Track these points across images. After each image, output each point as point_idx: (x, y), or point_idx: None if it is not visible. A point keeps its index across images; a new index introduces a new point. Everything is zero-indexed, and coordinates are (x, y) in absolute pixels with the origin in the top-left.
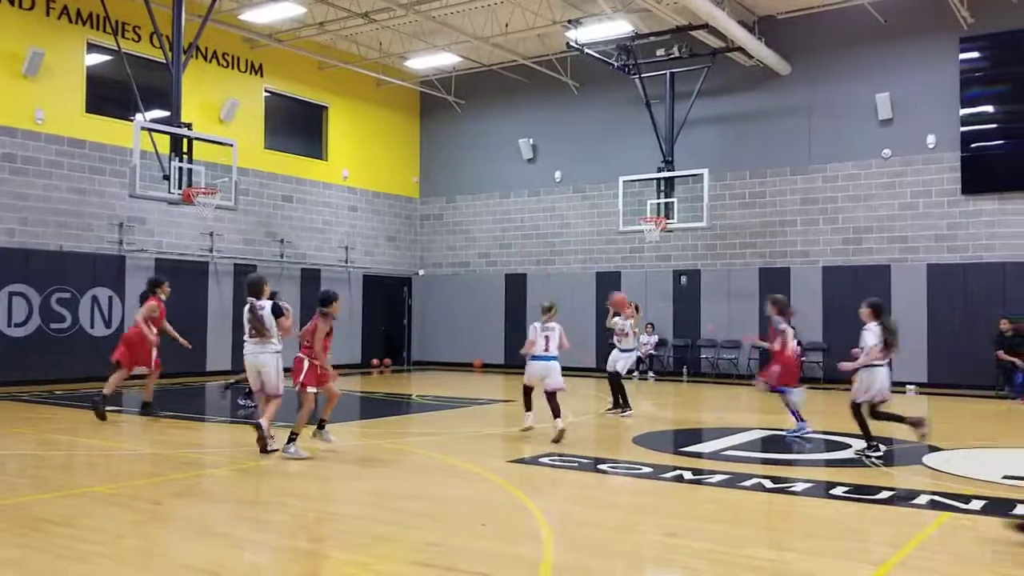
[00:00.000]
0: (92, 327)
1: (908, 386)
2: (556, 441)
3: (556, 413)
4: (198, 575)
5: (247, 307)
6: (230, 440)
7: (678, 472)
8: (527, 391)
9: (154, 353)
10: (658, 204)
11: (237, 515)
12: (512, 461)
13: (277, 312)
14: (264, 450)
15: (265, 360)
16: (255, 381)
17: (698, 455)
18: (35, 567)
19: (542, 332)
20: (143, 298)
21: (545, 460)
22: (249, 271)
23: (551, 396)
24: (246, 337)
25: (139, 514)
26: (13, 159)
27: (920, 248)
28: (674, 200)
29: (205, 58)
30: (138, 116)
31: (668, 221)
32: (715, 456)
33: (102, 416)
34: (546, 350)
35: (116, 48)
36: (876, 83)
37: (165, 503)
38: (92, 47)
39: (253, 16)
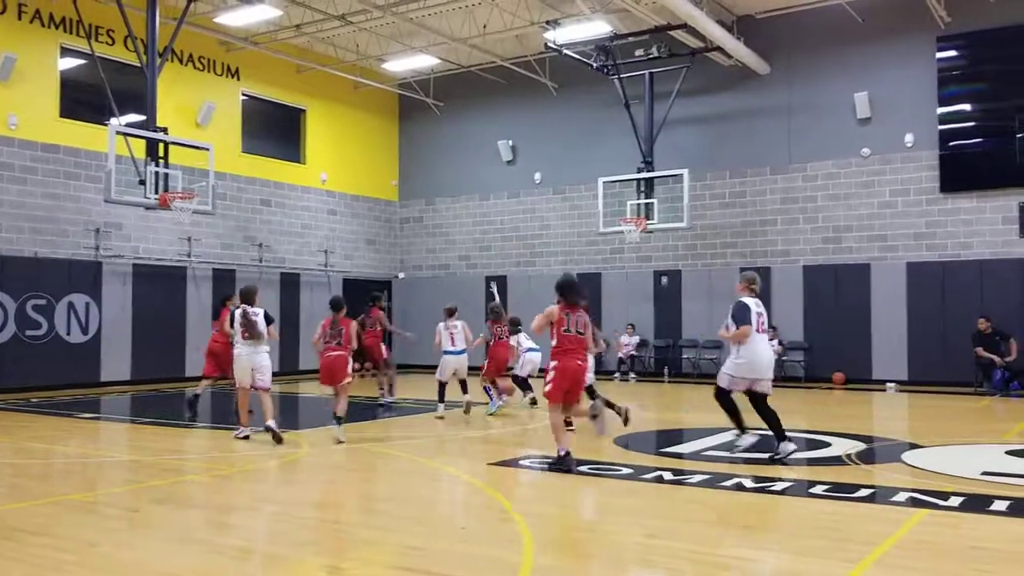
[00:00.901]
0: (68, 334)
1: (888, 384)
2: (466, 412)
3: (465, 390)
4: None
5: (240, 312)
6: (210, 446)
7: (658, 473)
8: (441, 385)
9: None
10: (638, 205)
11: (216, 521)
12: (492, 464)
13: (268, 319)
14: (280, 440)
15: (262, 360)
16: (247, 378)
17: (679, 455)
18: None
19: (446, 331)
20: (217, 311)
21: (525, 463)
22: (227, 276)
23: (463, 382)
24: (238, 339)
25: (116, 522)
26: None
27: (899, 247)
28: (654, 201)
29: (181, 61)
30: (113, 120)
31: (648, 222)
32: (696, 456)
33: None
34: (453, 344)
35: (90, 52)
36: (855, 82)
37: (143, 510)
38: (65, 51)
39: (228, 19)
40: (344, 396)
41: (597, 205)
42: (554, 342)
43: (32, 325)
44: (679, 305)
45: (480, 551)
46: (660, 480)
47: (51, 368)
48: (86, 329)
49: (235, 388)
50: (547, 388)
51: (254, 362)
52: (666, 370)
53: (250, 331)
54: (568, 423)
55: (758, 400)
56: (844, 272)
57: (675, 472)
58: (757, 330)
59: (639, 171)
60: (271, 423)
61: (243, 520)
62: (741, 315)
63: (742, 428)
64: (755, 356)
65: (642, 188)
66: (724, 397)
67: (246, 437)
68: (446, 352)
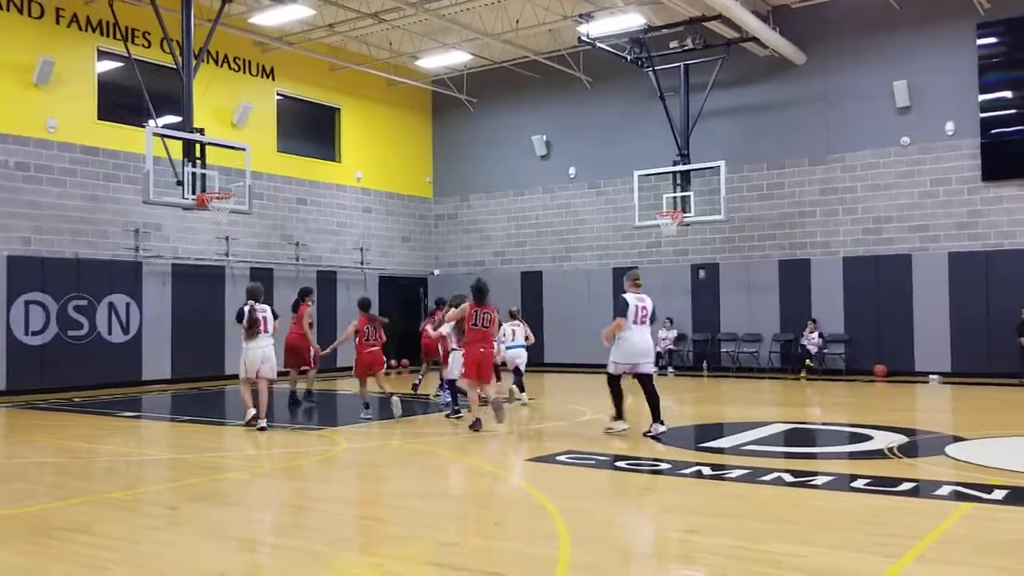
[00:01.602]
0: (110, 333)
1: (931, 376)
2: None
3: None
4: None
5: (248, 309)
6: (248, 444)
7: (697, 468)
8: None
9: (311, 352)
10: (674, 198)
11: (253, 519)
12: (529, 460)
13: (274, 315)
14: (263, 429)
15: (270, 353)
16: (255, 369)
17: (718, 450)
18: (50, 575)
19: (509, 328)
20: (296, 307)
21: (563, 458)
22: (265, 275)
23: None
24: (261, 331)
25: (156, 520)
26: (26, 168)
27: (941, 236)
28: (690, 193)
29: (216, 62)
30: (150, 122)
31: (685, 215)
32: (735, 451)
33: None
34: (514, 339)
35: (127, 55)
36: (893, 70)
37: (181, 508)
38: (103, 54)
39: (263, 19)
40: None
41: (633, 199)
42: (465, 335)
43: (74, 325)
44: (717, 298)
45: (516, 547)
46: (699, 475)
47: (93, 368)
48: (127, 329)
49: (249, 380)
50: (462, 371)
51: (265, 355)
52: (705, 364)
53: (265, 327)
54: (483, 399)
55: (643, 381)
56: (885, 263)
57: (714, 467)
58: (636, 321)
59: (675, 164)
60: (262, 409)
61: (280, 517)
62: (620, 309)
63: (620, 415)
64: (631, 344)
65: (678, 181)
66: (613, 383)
67: (255, 418)
68: (509, 347)
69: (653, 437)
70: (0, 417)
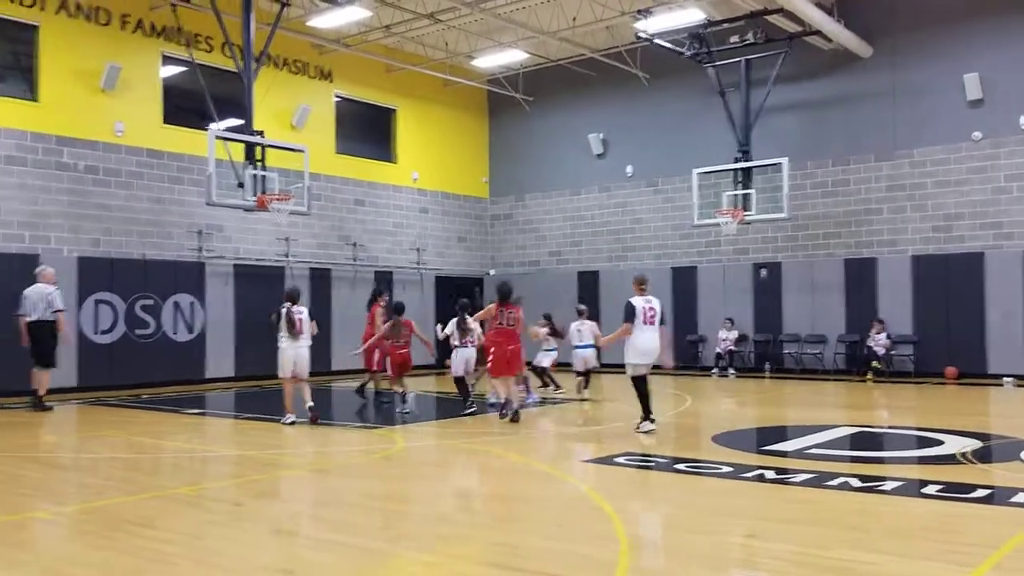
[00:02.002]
0: (175, 332)
1: (1005, 378)
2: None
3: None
4: (274, 575)
5: (284, 311)
6: (310, 441)
7: (760, 471)
8: (579, 374)
9: (376, 356)
10: (735, 196)
11: (314, 515)
12: (587, 461)
13: (310, 316)
14: (316, 421)
15: (304, 353)
16: (289, 369)
17: (781, 454)
18: (119, 568)
19: (576, 329)
20: (369, 306)
21: (621, 460)
22: (323, 275)
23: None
24: (284, 335)
25: (219, 515)
26: (96, 171)
27: (1015, 234)
28: (752, 191)
29: (276, 65)
30: (212, 125)
31: (746, 213)
32: (799, 455)
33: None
34: (581, 340)
35: (190, 59)
36: (963, 63)
37: (245, 504)
38: (167, 59)
39: (321, 22)
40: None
41: (692, 197)
42: (491, 332)
43: (140, 324)
44: (779, 298)
45: (574, 549)
46: (762, 479)
47: (159, 366)
48: (191, 328)
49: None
50: (489, 365)
51: (298, 355)
52: (767, 365)
53: (301, 328)
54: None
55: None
56: (956, 261)
57: (778, 471)
58: (645, 322)
59: (736, 161)
60: (310, 404)
61: (340, 514)
62: (627, 314)
63: (649, 414)
64: (644, 344)
65: (739, 178)
66: (638, 384)
67: (292, 423)
68: (576, 347)
69: (644, 433)
70: (72, 413)
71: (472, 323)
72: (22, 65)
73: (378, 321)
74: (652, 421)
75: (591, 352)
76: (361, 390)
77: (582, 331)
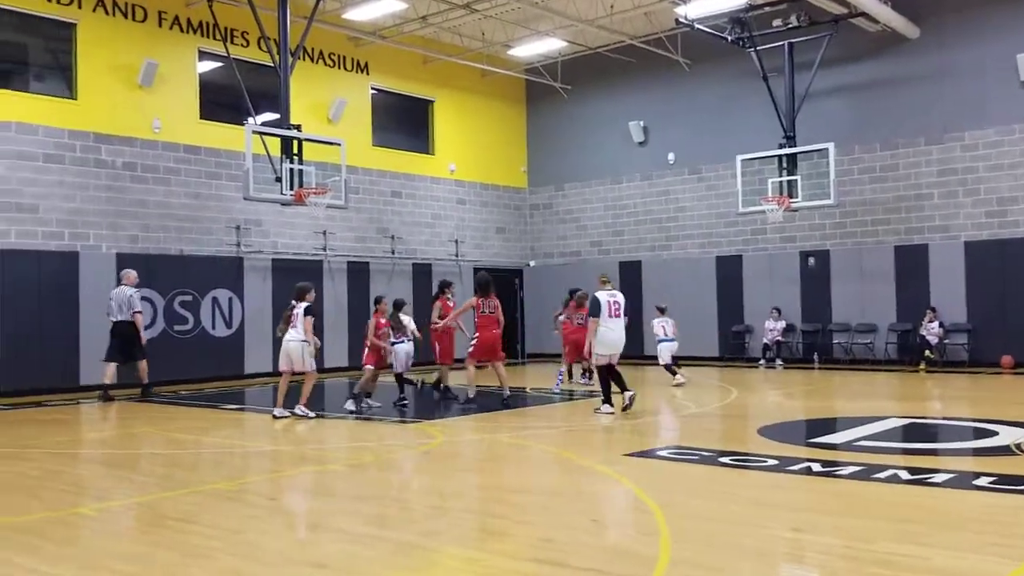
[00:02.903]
0: (213, 328)
1: None
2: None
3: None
4: (311, 569)
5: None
6: (347, 435)
7: (806, 464)
8: (667, 367)
9: (437, 348)
10: (780, 182)
11: (351, 510)
12: (628, 454)
13: (307, 312)
14: (276, 418)
15: (291, 347)
16: (286, 363)
17: (829, 446)
18: (160, 563)
19: (659, 324)
20: (436, 298)
21: (663, 453)
22: (361, 269)
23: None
24: (289, 327)
25: (259, 510)
26: (133, 168)
27: None
28: (797, 178)
29: (312, 59)
30: (249, 120)
31: (792, 200)
32: (848, 447)
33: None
34: (665, 334)
35: (226, 54)
36: (1016, 42)
37: (282, 499)
38: (203, 55)
39: (356, 14)
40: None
41: (736, 184)
42: (476, 320)
43: (179, 320)
44: (828, 287)
45: (616, 543)
46: (808, 472)
47: (198, 361)
48: (230, 323)
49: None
50: (470, 350)
51: (285, 348)
52: (815, 356)
53: (286, 324)
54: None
55: (612, 369)
56: (1012, 247)
57: (825, 463)
58: (610, 315)
59: (780, 147)
60: (298, 409)
61: (379, 509)
62: (593, 309)
63: (609, 400)
64: (611, 335)
65: (784, 164)
66: (601, 372)
67: (279, 417)
68: (660, 340)
69: (630, 402)
70: (113, 409)
71: (406, 319)
72: (60, 63)
73: (434, 315)
74: (611, 405)
75: (674, 345)
76: (438, 385)
77: (666, 327)
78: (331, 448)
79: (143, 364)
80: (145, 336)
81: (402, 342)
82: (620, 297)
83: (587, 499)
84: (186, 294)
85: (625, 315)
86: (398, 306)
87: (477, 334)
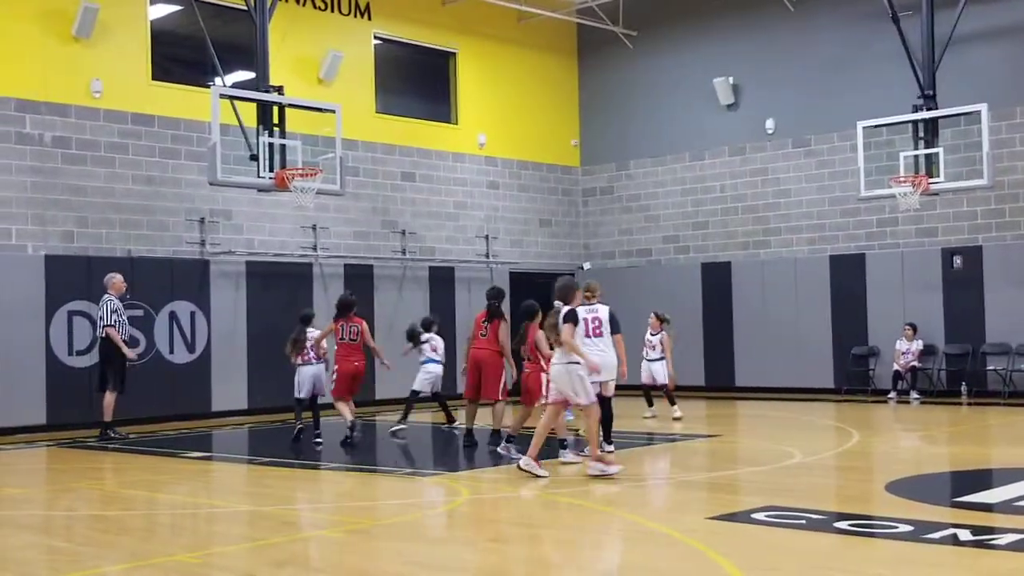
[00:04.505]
0: (171, 352)
1: None
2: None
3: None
4: None
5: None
6: (344, 494)
7: (952, 531)
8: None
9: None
10: (916, 157)
11: None
12: (714, 518)
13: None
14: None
15: (318, 372)
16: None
17: (982, 507)
18: None
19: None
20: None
21: (761, 516)
22: (363, 273)
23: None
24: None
25: None
26: (67, 144)
27: None
28: (939, 150)
29: (297, 0)
30: (216, 81)
31: (931, 180)
32: (1007, 508)
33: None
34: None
35: None
36: None
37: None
38: None
39: None
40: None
41: (856, 160)
42: (336, 350)
43: (128, 342)
44: (981, 296)
45: None
46: (955, 540)
47: (152, 396)
48: (192, 346)
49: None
50: (332, 387)
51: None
52: (963, 387)
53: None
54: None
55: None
56: None
57: (976, 530)
58: (589, 334)
59: (915, 110)
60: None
61: None
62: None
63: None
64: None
65: (921, 134)
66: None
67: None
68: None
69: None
70: (40, 459)
71: (311, 335)
72: None
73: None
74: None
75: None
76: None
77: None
78: (323, 509)
79: (108, 396)
80: (132, 354)
81: (309, 364)
82: (603, 312)
83: None
84: (136, 308)
85: (616, 331)
86: (305, 319)
87: (336, 367)
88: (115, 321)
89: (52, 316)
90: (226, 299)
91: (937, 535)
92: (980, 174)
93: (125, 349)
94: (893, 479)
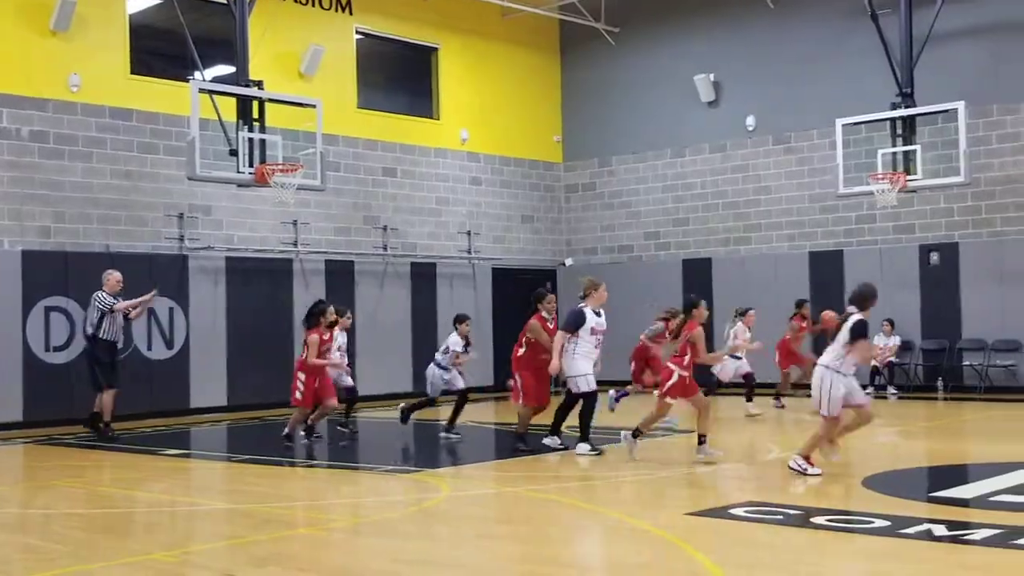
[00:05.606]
0: (150, 348)
1: None
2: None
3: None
4: None
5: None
6: (324, 491)
7: (927, 527)
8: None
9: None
10: (894, 154)
11: None
12: (692, 514)
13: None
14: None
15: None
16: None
17: (958, 502)
18: None
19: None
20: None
21: (738, 511)
22: (343, 269)
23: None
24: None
25: None
26: (44, 138)
27: None
28: (917, 148)
29: None
30: (196, 75)
31: (909, 177)
32: (982, 503)
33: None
34: None
35: None
36: None
37: (240, 574)
38: None
39: None
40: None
41: (836, 157)
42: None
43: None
44: (956, 292)
45: None
46: (929, 536)
47: (129, 392)
48: (171, 343)
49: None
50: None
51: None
52: (940, 383)
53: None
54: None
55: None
56: None
57: (952, 525)
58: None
59: (894, 107)
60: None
61: None
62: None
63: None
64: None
65: (899, 131)
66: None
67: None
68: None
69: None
70: (16, 456)
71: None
72: None
73: (541, 336)
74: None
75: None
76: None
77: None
78: (303, 507)
79: (106, 396)
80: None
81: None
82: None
83: (642, 573)
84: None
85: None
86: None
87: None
88: (106, 324)
89: (29, 312)
90: (205, 295)
91: (913, 530)
92: (957, 171)
93: (140, 300)
94: (870, 474)
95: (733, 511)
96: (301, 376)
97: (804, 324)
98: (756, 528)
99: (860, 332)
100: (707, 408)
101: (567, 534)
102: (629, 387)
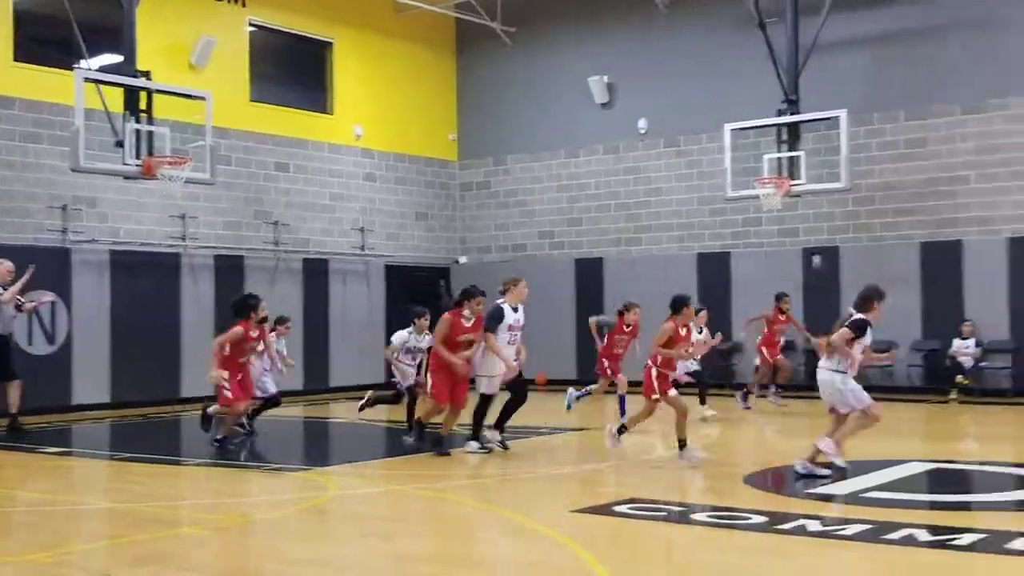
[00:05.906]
0: (30, 343)
1: None
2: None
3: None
4: None
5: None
6: (208, 490)
7: (801, 522)
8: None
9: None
10: (779, 160)
11: None
12: (578, 511)
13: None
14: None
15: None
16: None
17: (830, 498)
18: None
19: None
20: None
21: (622, 508)
22: (233, 264)
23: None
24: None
25: None
26: None
27: None
28: (801, 154)
29: None
30: (81, 63)
31: (793, 182)
32: (854, 499)
33: None
34: None
35: None
36: None
37: (120, 574)
38: None
39: None
40: None
41: (724, 161)
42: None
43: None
44: (837, 294)
45: None
46: (803, 531)
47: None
48: (52, 338)
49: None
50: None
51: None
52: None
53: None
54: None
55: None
56: None
57: (825, 520)
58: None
59: (779, 114)
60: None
61: None
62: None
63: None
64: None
65: (784, 137)
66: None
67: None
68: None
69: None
70: None
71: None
72: None
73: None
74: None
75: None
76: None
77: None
78: (187, 506)
79: (12, 389)
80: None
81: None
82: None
83: (527, 571)
84: None
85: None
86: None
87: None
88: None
89: None
90: (89, 289)
91: (788, 525)
92: (838, 177)
93: (22, 281)
94: (751, 471)
95: (617, 508)
96: (225, 375)
97: (783, 317)
98: (639, 524)
99: (859, 328)
100: (685, 411)
101: (454, 532)
102: (591, 386)
